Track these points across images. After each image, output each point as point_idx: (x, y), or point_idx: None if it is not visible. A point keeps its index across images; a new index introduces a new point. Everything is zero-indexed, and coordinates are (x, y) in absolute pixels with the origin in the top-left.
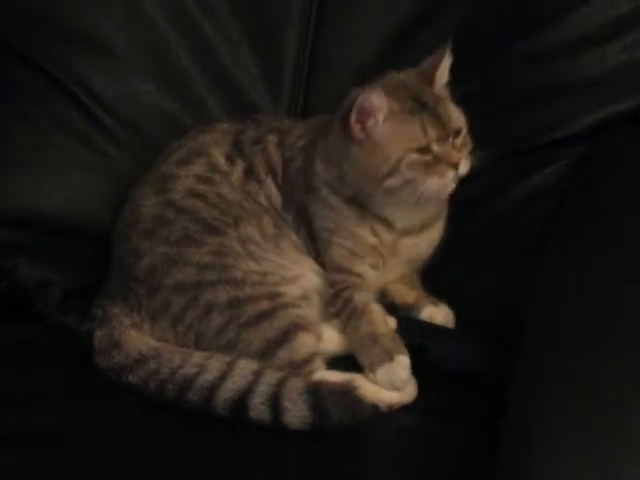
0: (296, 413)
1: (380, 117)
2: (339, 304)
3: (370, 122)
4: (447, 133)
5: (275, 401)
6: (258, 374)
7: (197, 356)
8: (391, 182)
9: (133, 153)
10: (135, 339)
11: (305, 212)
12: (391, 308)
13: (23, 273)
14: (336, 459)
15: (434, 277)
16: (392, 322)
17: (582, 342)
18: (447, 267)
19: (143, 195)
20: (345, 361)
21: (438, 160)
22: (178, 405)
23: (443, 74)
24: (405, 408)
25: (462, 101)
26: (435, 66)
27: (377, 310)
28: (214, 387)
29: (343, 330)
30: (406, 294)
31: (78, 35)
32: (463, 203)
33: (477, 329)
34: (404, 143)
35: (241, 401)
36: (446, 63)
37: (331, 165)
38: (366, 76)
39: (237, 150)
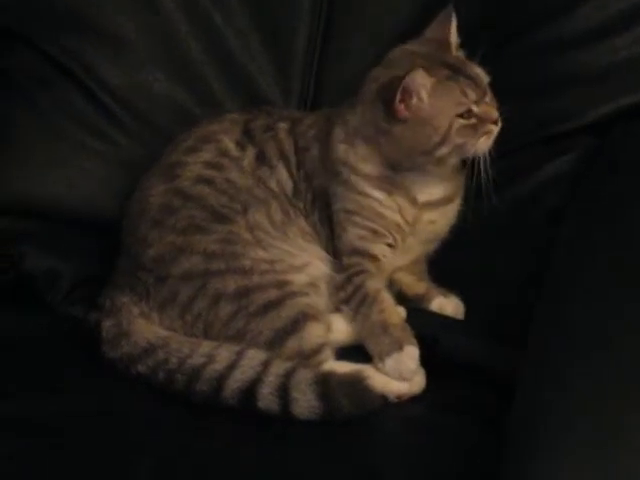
0: (305, 403)
1: (424, 94)
2: (350, 289)
3: (414, 100)
4: (483, 92)
5: (284, 391)
6: (267, 364)
7: (206, 346)
8: (442, 151)
9: (142, 143)
10: (143, 328)
11: (322, 197)
12: (401, 299)
13: (31, 263)
14: (343, 449)
15: (443, 269)
16: (402, 312)
17: (587, 341)
18: (456, 259)
19: (151, 184)
20: (354, 351)
21: (481, 120)
22: (187, 395)
23: (454, 37)
24: (413, 399)
25: None
26: (447, 32)
27: (388, 299)
28: (223, 377)
29: (352, 317)
30: (416, 285)
31: (88, 24)
32: (473, 195)
33: (486, 322)
34: (449, 111)
35: (250, 391)
36: (454, 26)
37: (355, 147)
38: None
39: (247, 137)
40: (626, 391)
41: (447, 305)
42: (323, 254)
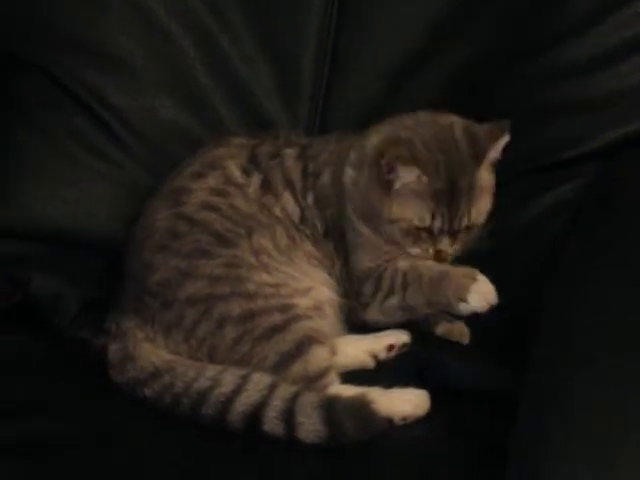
0: (310, 427)
1: (400, 183)
2: (387, 282)
3: (393, 176)
4: (454, 229)
5: (289, 415)
6: (272, 388)
7: (211, 369)
8: (385, 228)
9: (148, 167)
10: (149, 352)
11: (336, 227)
12: (406, 323)
13: (37, 286)
14: (347, 471)
15: None
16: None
17: (589, 362)
18: None
19: (156, 209)
20: (359, 375)
21: (430, 239)
22: (193, 419)
23: (495, 153)
24: (418, 422)
25: (478, 119)
26: (488, 146)
27: (423, 262)
28: (228, 401)
29: (401, 303)
30: None
31: (95, 49)
32: None
33: (490, 346)
34: (411, 214)
35: (255, 415)
36: (502, 143)
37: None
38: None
39: (253, 163)
40: (628, 408)
41: (452, 330)
42: (328, 279)
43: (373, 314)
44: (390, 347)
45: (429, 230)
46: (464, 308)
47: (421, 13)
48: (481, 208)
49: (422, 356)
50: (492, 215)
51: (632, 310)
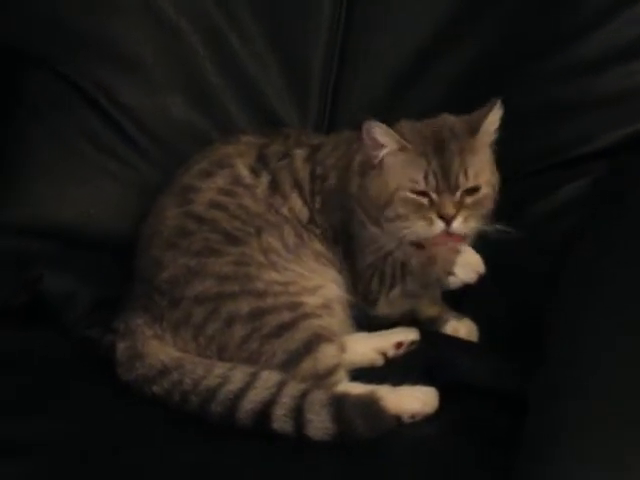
0: (319, 425)
1: (384, 150)
2: (389, 274)
3: (379, 151)
4: (452, 187)
5: (298, 413)
6: (281, 385)
7: (220, 367)
8: (387, 213)
9: (158, 165)
10: (158, 350)
11: (344, 231)
12: (414, 322)
13: (47, 284)
14: (356, 469)
15: (456, 291)
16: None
17: (602, 363)
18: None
19: (165, 206)
20: (368, 372)
21: (432, 207)
22: (201, 416)
23: (490, 126)
24: (427, 419)
25: None
26: (483, 116)
27: (412, 250)
28: (237, 398)
29: (403, 291)
30: (429, 308)
31: (106, 47)
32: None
33: (499, 345)
34: (403, 179)
35: (264, 412)
36: (495, 115)
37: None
38: (395, 88)
39: (262, 163)
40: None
41: (461, 328)
42: (337, 277)
43: (383, 308)
44: (398, 345)
45: (427, 195)
46: (454, 281)
47: (429, 13)
48: (478, 170)
49: (431, 354)
50: (497, 201)
51: None
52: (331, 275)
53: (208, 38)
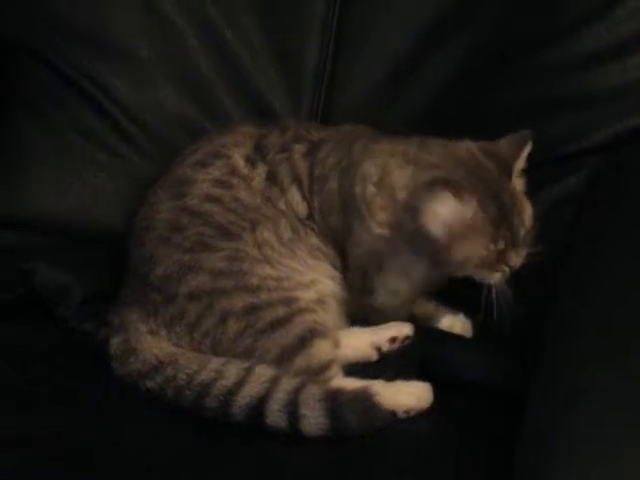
0: (313, 420)
1: (457, 222)
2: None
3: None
4: (516, 241)
5: (292, 408)
6: (275, 381)
7: (214, 362)
8: (455, 271)
9: (153, 159)
10: (152, 345)
11: (341, 234)
12: (409, 317)
13: (41, 278)
14: (350, 464)
15: (451, 287)
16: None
17: (601, 362)
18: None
19: (158, 199)
20: (362, 367)
21: (500, 260)
22: (196, 411)
23: (521, 164)
24: (421, 414)
25: (482, 116)
26: (515, 157)
27: None
28: (231, 393)
29: None
30: (425, 304)
31: (99, 41)
32: None
33: (494, 340)
34: (472, 248)
35: (258, 408)
36: (526, 152)
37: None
38: (388, 82)
39: (259, 154)
40: (637, 405)
41: (456, 323)
42: (332, 272)
43: (382, 296)
44: (393, 339)
45: (496, 253)
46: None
47: (424, 6)
48: (529, 211)
49: (425, 349)
50: None
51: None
52: (327, 270)
53: (202, 31)
